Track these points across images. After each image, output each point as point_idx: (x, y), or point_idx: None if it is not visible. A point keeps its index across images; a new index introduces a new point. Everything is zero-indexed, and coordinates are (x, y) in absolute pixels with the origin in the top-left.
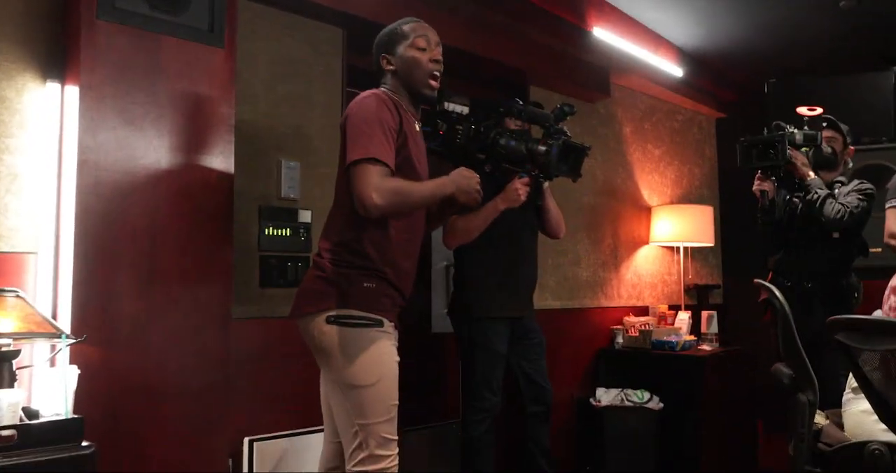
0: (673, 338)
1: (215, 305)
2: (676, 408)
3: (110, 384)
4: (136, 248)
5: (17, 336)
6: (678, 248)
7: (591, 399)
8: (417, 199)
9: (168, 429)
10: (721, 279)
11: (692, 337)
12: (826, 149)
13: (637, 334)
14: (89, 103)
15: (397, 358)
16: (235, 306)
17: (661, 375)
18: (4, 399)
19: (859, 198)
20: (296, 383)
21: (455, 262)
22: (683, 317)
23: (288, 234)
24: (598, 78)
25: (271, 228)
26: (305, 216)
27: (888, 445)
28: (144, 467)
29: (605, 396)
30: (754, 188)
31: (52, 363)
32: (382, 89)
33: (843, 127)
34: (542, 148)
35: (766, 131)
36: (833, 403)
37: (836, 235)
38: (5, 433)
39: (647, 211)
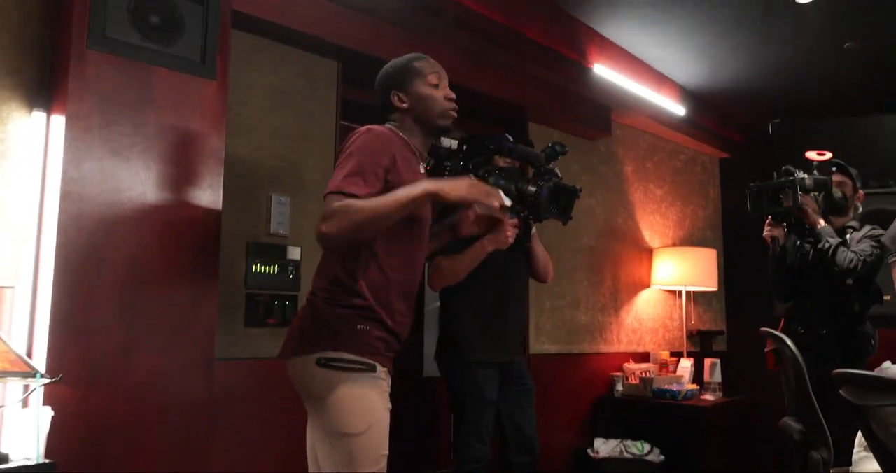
0: (675, 387)
1: (198, 345)
2: (678, 461)
3: (85, 426)
4: (117, 284)
5: None
6: (680, 292)
7: (589, 450)
8: (370, 214)
9: None
10: (725, 325)
11: (695, 386)
12: (836, 193)
13: (637, 382)
14: (75, 133)
15: (389, 406)
16: (219, 346)
17: (662, 425)
18: None
19: (872, 245)
20: (281, 428)
21: (441, 304)
22: (686, 365)
23: (276, 272)
24: (598, 115)
25: (259, 265)
26: (295, 253)
27: None
28: None
29: (604, 447)
30: (765, 234)
31: (25, 403)
32: (388, 126)
33: (853, 171)
34: (532, 188)
35: (775, 175)
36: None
37: (849, 281)
38: None
39: (649, 252)
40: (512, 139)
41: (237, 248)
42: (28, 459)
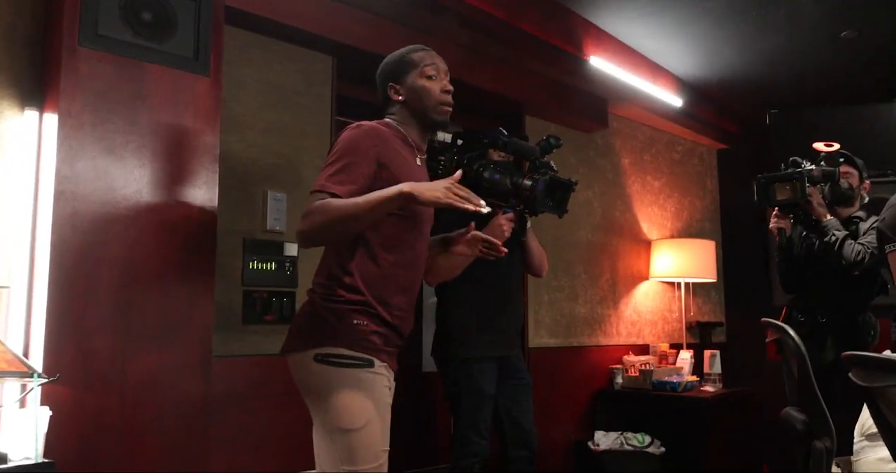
0: (674, 379)
1: (196, 342)
2: (678, 453)
3: (83, 426)
4: (113, 283)
5: None
6: (679, 284)
7: (590, 443)
8: (342, 214)
9: None
10: (724, 316)
11: (694, 378)
12: (843, 184)
13: (637, 374)
14: (68, 131)
15: (389, 401)
16: (217, 343)
17: (663, 417)
18: None
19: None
20: (280, 425)
21: (437, 300)
22: (685, 357)
23: (273, 268)
24: (595, 108)
25: (256, 262)
26: (292, 249)
27: None
28: None
29: (604, 439)
30: (771, 226)
31: (23, 403)
32: (386, 120)
33: (859, 161)
34: (528, 182)
35: (782, 167)
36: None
37: (856, 272)
38: None
39: (647, 245)
40: (506, 133)
41: (233, 245)
42: (27, 459)
